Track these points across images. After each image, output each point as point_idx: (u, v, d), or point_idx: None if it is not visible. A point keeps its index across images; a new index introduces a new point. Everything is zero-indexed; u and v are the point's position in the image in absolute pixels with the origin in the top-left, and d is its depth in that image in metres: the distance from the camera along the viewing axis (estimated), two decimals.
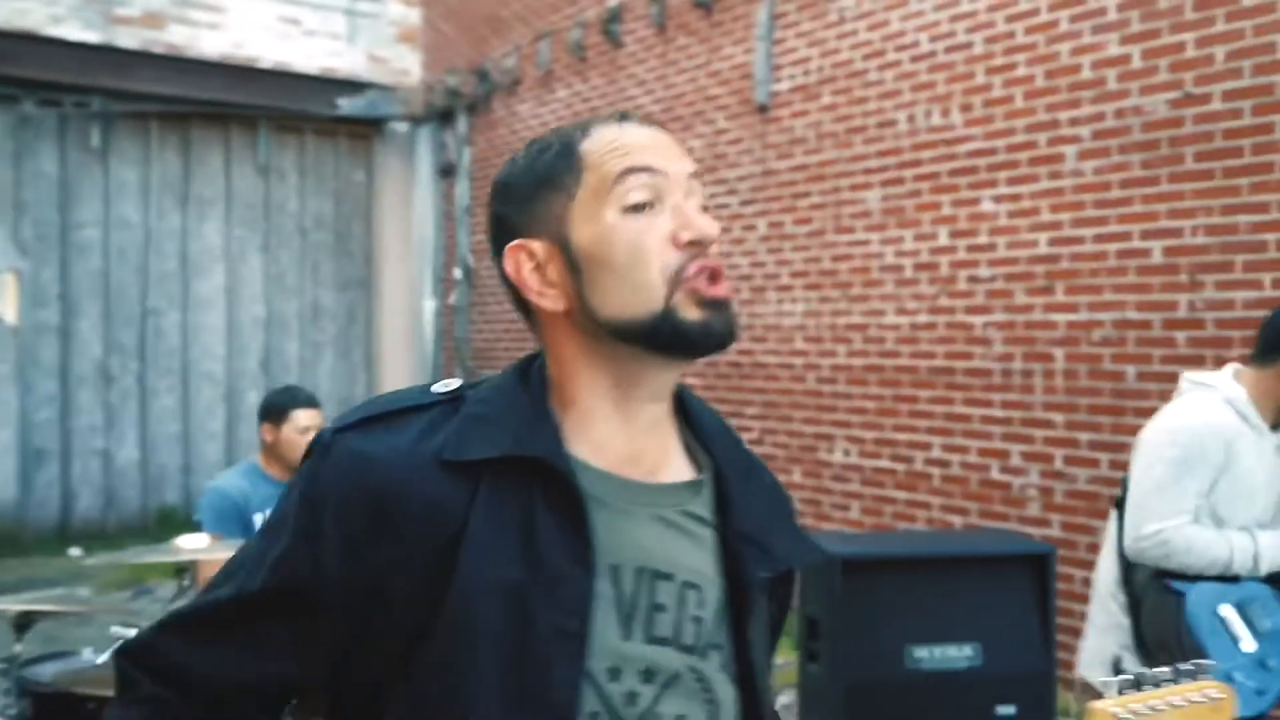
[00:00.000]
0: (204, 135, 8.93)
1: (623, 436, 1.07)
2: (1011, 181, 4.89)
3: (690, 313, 1.02)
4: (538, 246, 1.07)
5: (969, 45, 5.06)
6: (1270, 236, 4.04)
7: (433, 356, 9.50)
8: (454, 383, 1.10)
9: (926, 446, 5.30)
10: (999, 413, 4.97)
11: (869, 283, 5.57)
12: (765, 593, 1.12)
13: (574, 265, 1.05)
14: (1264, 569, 2.68)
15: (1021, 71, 4.85)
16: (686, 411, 1.15)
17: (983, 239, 5.02)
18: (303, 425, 3.64)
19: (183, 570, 2.56)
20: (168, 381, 8.87)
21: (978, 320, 5.05)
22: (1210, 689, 1.13)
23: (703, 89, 6.57)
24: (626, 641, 1.01)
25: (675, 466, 1.11)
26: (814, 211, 5.87)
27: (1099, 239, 4.57)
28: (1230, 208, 4.15)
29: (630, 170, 1.04)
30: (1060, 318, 4.72)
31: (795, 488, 5.91)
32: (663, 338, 1.03)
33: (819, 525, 5.79)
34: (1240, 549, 2.68)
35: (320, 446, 1.05)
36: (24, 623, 2.52)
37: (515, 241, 1.08)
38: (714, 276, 1.03)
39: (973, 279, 5.07)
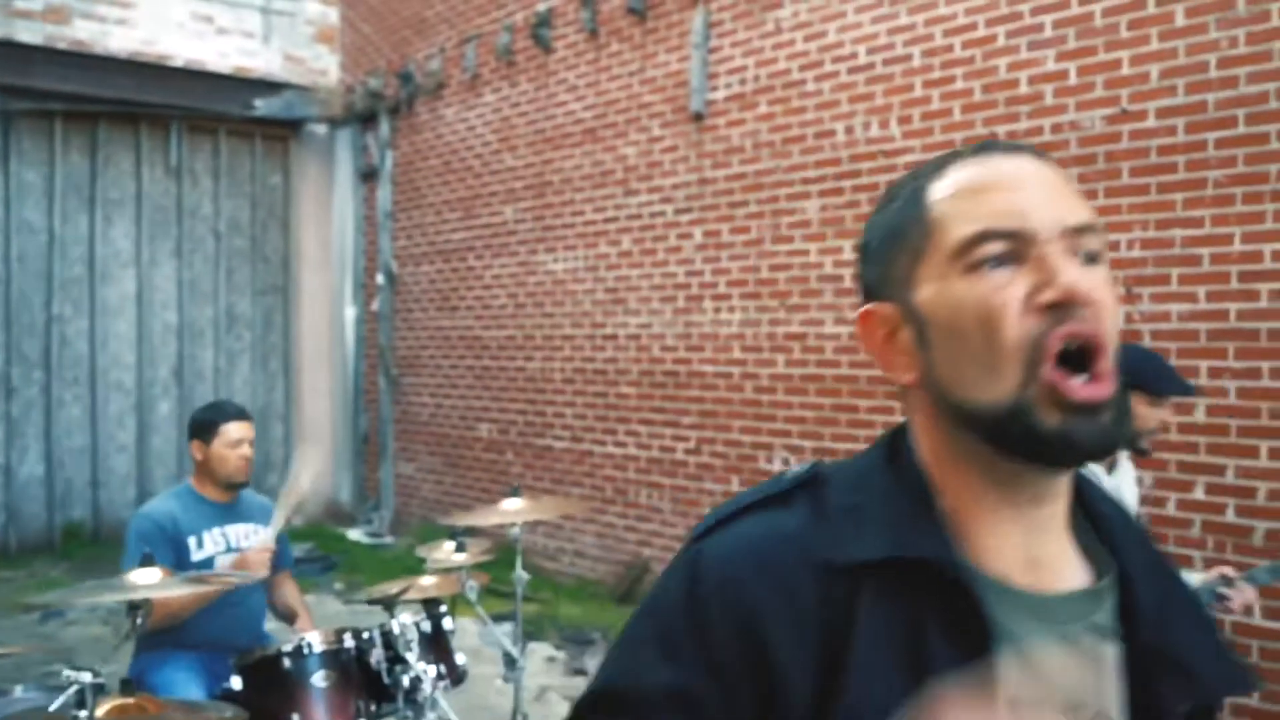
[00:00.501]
0: (113, 135, 8.60)
1: (1014, 539, 0.90)
2: None
3: (1049, 416, 0.84)
4: (889, 311, 0.93)
5: (907, 58, 5.12)
6: (1204, 250, 4.16)
7: (354, 364, 9.29)
8: (806, 465, 0.96)
9: None
10: None
11: (807, 292, 5.59)
12: None
13: (922, 334, 0.91)
14: None
15: (960, 85, 4.92)
16: (1083, 502, 0.97)
17: None
18: (233, 438, 3.51)
19: (136, 607, 2.42)
20: (74, 392, 8.51)
21: None
22: None
23: (636, 96, 6.54)
24: None
25: (1073, 571, 0.93)
26: (751, 220, 5.88)
27: None
28: (1164, 222, 4.27)
29: (985, 236, 0.87)
30: None
31: (732, 497, 5.90)
32: (1009, 437, 0.86)
33: None
34: None
35: (683, 563, 0.93)
36: None
37: (866, 306, 0.96)
38: (1085, 355, 0.84)
39: None
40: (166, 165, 8.83)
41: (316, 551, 7.81)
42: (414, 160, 8.56)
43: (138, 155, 8.70)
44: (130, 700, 2.53)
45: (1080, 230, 0.87)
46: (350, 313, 9.32)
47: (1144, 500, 3.36)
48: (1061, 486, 0.91)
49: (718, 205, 6.07)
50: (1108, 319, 0.85)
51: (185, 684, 3.20)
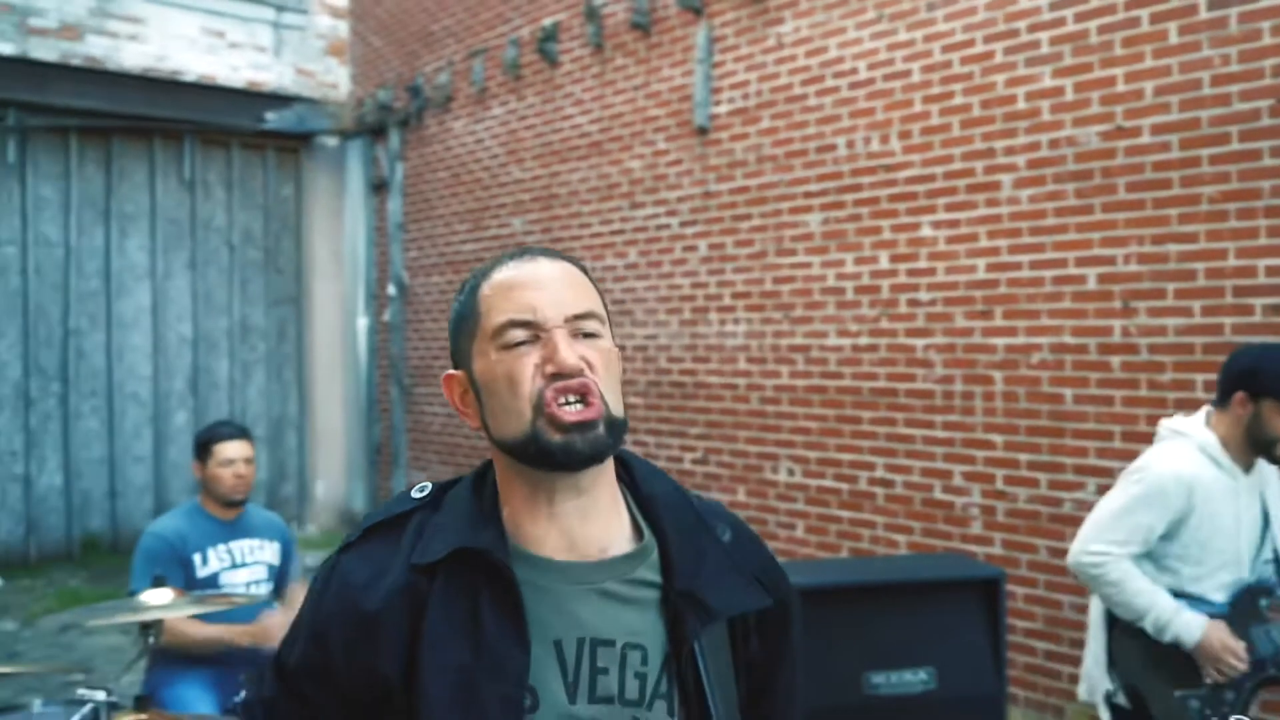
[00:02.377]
0: (127, 150, 8.74)
1: (554, 529, 1.24)
2: (950, 208, 5.02)
3: (552, 436, 1.19)
4: (460, 376, 1.29)
5: (907, 73, 5.19)
6: (1199, 265, 4.22)
7: (367, 374, 9.41)
8: (427, 487, 1.30)
9: (870, 466, 5.41)
10: (941, 434, 5.10)
11: (811, 305, 5.67)
12: (725, 638, 1.27)
13: (478, 394, 1.26)
14: (1166, 639, 2.81)
15: (959, 100, 4.98)
16: (632, 481, 1.32)
17: (922, 263, 5.14)
18: (227, 457, 3.61)
19: (148, 627, 2.52)
20: (92, 404, 8.66)
21: (918, 343, 5.17)
22: None
23: (641, 110, 6.62)
24: (573, 705, 1.18)
25: (618, 540, 1.26)
26: (755, 234, 5.96)
27: (1035, 265, 4.72)
28: (1160, 237, 4.32)
29: (510, 324, 1.22)
30: (999, 341, 4.86)
31: (740, 507, 5.99)
32: (530, 457, 1.20)
33: None
34: (1159, 612, 2.81)
35: (330, 569, 1.27)
36: None
37: (448, 372, 1.31)
38: (579, 397, 1.19)
39: (913, 302, 5.19)
40: (180, 178, 8.96)
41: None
42: (423, 172, 8.67)
43: (152, 169, 8.84)
44: (144, 717, 2.63)
45: (580, 316, 1.23)
46: (363, 323, 9.44)
47: None
48: (588, 483, 1.24)
49: (722, 218, 6.15)
50: (601, 373, 1.22)
51: (198, 699, 3.30)
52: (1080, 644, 4.52)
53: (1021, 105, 4.75)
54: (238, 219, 9.27)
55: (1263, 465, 2.94)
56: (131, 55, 8.47)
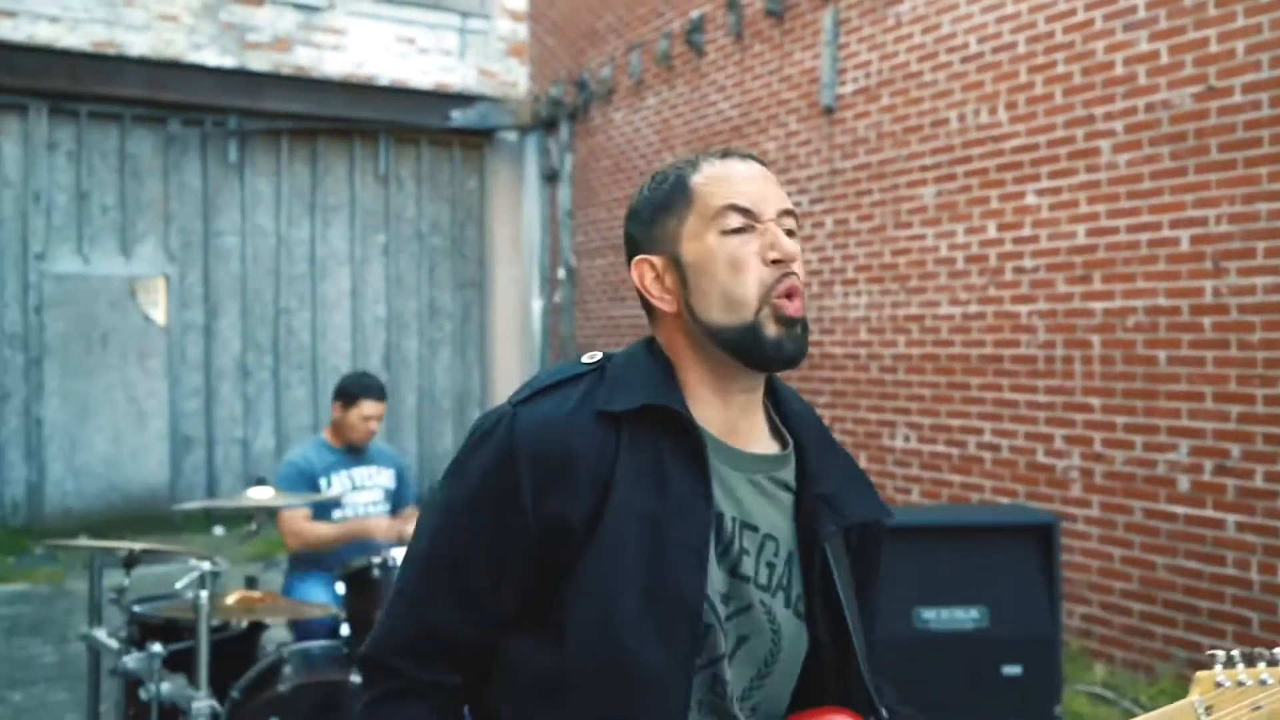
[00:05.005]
0: (330, 148, 9.71)
1: (721, 414, 1.30)
2: (1053, 175, 5.09)
3: (770, 329, 1.25)
4: (657, 260, 1.32)
5: (1013, 45, 5.28)
6: None
7: (540, 353, 10.06)
8: (597, 354, 1.35)
9: (978, 431, 5.52)
10: (1043, 398, 5.17)
11: (925, 275, 5.82)
12: (843, 547, 1.35)
13: (683, 277, 1.29)
14: None
15: (1060, 69, 5.04)
16: (776, 396, 1.39)
17: (1026, 231, 5.23)
18: (366, 413, 4.13)
19: (250, 516, 3.08)
20: (299, 375, 9.66)
21: (1022, 309, 5.26)
22: None
23: (775, 93, 6.91)
24: (719, 572, 1.25)
25: (764, 441, 1.35)
26: (875, 208, 6.15)
27: (1132, 229, 4.75)
28: (1251, 196, 4.29)
29: (729, 207, 1.27)
30: (1097, 305, 4.90)
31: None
32: (739, 345, 1.26)
33: None
34: None
35: (504, 417, 1.27)
36: (130, 561, 3.08)
37: (639, 256, 1.34)
38: (791, 294, 1.26)
39: (1018, 270, 5.28)
40: (376, 173, 9.87)
41: None
42: (589, 162, 9.22)
43: (351, 165, 9.78)
44: (256, 594, 3.20)
45: (787, 213, 1.30)
46: (537, 305, 10.10)
47: None
48: (758, 381, 1.32)
49: (846, 194, 6.37)
50: (801, 271, 1.29)
51: (319, 597, 3.88)
52: (1174, 605, 4.54)
53: (1119, 70, 4.78)
54: (426, 210, 10.11)
55: None
56: (334, 63, 9.41)
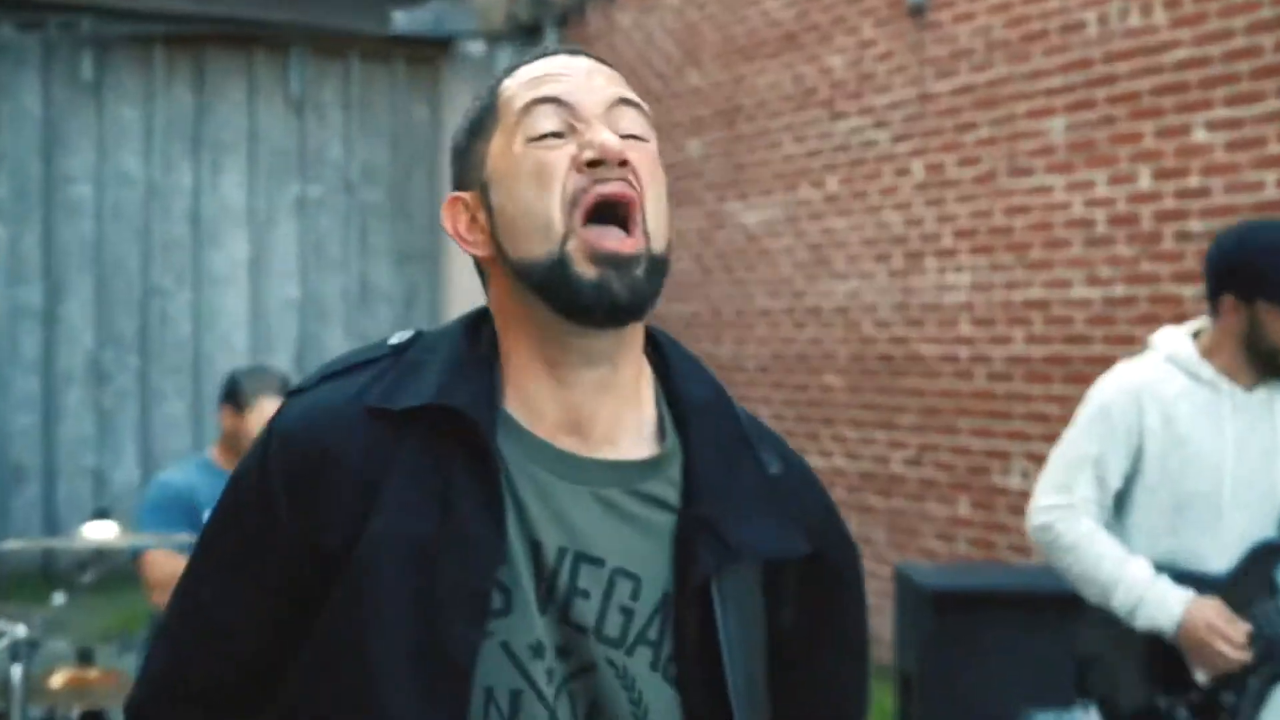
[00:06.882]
0: (221, 63, 9.77)
1: (559, 401, 1.33)
2: (1230, 101, 5.09)
3: (586, 269, 1.27)
4: (469, 196, 1.38)
5: None
6: None
7: None
8: (409, 332, 1.40)
9: None
10: None
11: (1051, 244, 5.82)
12: (755, 590, 1.36)
13: (489, 205, 1.34)
14: (1139, 624, 2.80)
15: None
16: (667, 375, 1.40)
17: (1194, 181, 5.22)
18: (268, 418, 4.14)
19: (85, 565, 3.11)
20: (175, 381, 9.71)
21: (1187, 292, 5.24)
22: None
23: None
24: (543, 618, 1.28)
25: (631, 440, 1.35)
26: (982, 148, 6.16)
27: None
28: None
29: (537, 101, 1.32)
30: None
31: (962, 524, 6.20)
32: (555, 289, 1.28)
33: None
34: (1129, 584, 2.81)
35: (277, 414, 1.43)
36: None
37: (451, 194, 1.40)
38: (604, 205, 1.28)
39: (1182, 235, 5.27)
40: (286, 98, 9.94)
41: None
42: None
43: (250, 86, 9.86)
44: (89, 673, 3.24)
45: (622, 102, 1.34)
46: None
47: None
48: (610, 350, 1.34)
49: (941, 129, 6.37)
50: (646, 186, 1.31)
51: None
52: None
53: None
54: (357, 149, 10.16)
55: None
56: None
